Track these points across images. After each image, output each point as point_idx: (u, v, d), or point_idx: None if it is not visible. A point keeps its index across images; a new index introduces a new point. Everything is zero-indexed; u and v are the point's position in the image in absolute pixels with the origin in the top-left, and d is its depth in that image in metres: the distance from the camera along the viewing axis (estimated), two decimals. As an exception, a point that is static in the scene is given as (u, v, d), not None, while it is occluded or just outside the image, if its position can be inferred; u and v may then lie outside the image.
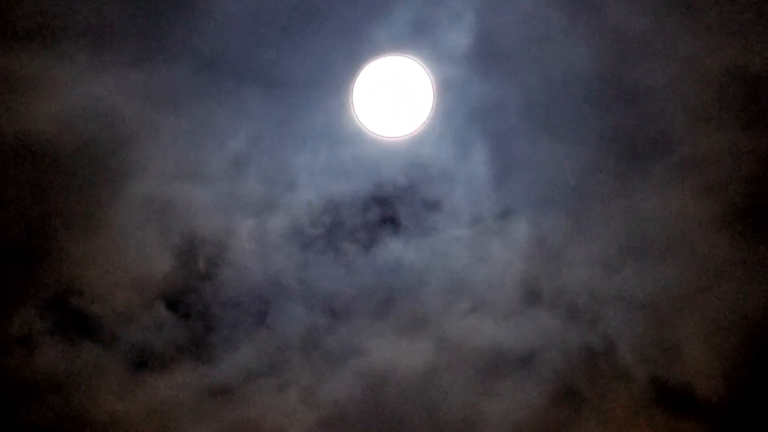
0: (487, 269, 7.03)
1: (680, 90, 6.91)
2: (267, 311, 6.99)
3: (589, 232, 6.99)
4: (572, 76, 6.96)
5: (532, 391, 6.87)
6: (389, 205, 7.08)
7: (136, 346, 6.91)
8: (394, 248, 7.05)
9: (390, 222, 7.08)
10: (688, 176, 6.95)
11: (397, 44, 7.08)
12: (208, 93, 6.92)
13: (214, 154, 6.96)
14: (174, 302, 6.94)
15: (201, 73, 6.90)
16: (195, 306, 6.96)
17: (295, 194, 7.03)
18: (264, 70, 6.97)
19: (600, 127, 6.98)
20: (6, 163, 6.75)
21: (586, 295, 6.98)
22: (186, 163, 6.94)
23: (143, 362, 6.90)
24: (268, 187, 7.01)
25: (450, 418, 6.81)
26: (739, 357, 6.81)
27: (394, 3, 7.05)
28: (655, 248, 6.93)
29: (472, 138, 7.04)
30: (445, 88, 7.10)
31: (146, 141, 6.89)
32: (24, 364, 6.70)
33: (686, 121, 6.93)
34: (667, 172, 6.94)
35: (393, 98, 7.16)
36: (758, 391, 6.70)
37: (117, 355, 6.88)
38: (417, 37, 7.05)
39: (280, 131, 7.01)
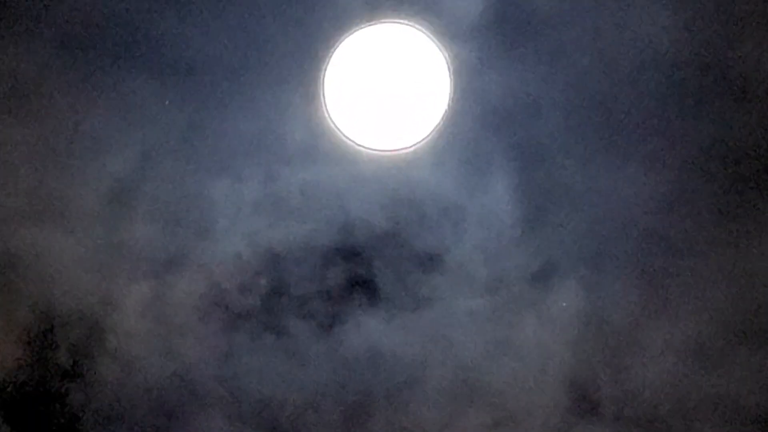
0: (515, 361, 4.50)
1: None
2: (168, 429, 4.46)
3: (675, 305, 4.45)
4: (648, 60, 4.43)
5: None
6: (362, 259, 4.55)
7: (-36, 482, 4.38)
8: (369, 328, 4.52)
9: (363, 286, 4.54)
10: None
11: (382, 10, 4.55)
12: (74, 86, 4.40)
13: (85, 182, 4.43)
14: (19, 414, 4.40)
15: (63, 57, 4.38)
16: (54, 420, 4.42)
17: (214, 243, 4.50)
18: (165, 50, 4.44)
19: (692, 136, 4.45)
20: None
21: (669, 403, 4.44)
22: (40, 196, 4.41)
23: (-24, 506, 4.37)
24: (169, 232, 4.48)
25: None
26: None
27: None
28: (779, 330, 4.39)
29: (490, 155, 4.50)
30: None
31: (-24, 161, 4.38)
32: None
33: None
34: (799, 210, 4.41)
35: (375, 93, 4.66)
36: None
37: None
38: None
39: (191, 144, 4.48)
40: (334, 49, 4.55)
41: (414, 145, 4.57)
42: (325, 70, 4.55)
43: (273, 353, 4.50)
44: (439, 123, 4.55)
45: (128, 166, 4.42)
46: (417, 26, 4.51)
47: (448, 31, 4.45)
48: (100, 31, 4.40)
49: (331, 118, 4.57)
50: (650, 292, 4.45)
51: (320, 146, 4.57)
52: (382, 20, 4.54)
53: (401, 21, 4.48)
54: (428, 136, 4.56)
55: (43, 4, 4.39)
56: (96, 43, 4.40)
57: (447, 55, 4.49)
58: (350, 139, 4.59)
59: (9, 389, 4.36)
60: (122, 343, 4.44)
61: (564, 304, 4.48)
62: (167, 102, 4.44)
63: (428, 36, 4.51)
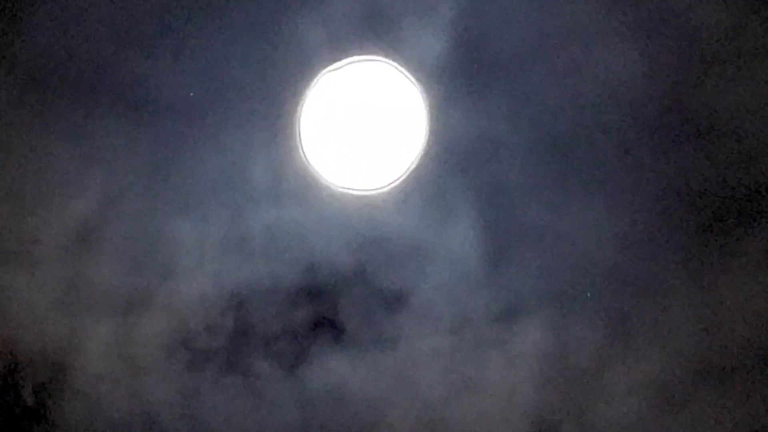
0: (479, 400, 4.50)
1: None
2: (133, 468, 4.47)
3: (640, 345, 4.45)
4: (613, 99, 4.43)
5: None
6: (328, 299, 4.55)
7: None
8: (334, 368, 4.52)
9: (329, 326, 4.55)
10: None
11: (349, 49, 4.55)
12: (37, 126, 4.40)
13: (49, 223, 4.43)
14: (-15, 456, 4.41)
15: (26, 97, 4.38)
16: (19, 461, 4.43)
17: (179, 282, 4.50)
18: (130, 90, 4.44)
19: (658, 176, 4.45)
20: None
21: (634, 442, 4.44)
22: (3, 237, 4.42)
23: None
24: (134, 272, 4.48)
25: None
26: None
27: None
28: (744, 370, 4.39)
29: (457, 196, 4.50)
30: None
31: (-60, 201, 4.38)
32: None
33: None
34: None
35: (350, 133, 4.69)
36: None
37: None
38: (373, 36, 4.52)
39: (156, 184, 4.48)
40: (304, 88, 4.56)
41: (388, 185, 4.58)
42: (299, 108, 4.56)
43: (238, 393, 4.50)
44: (409, 164, 4.56)
45: (92, 206, 4.42)
46: (397, 65, 4.52)
47: (413, 71, 4.45)
48: (64, 70, 4.40)
49: (305, 158, 4.57)
50: (615, 333, 4.45)
51: (294, 187, 4.56)
52: (355, 58, 4.54)
53: (379, 59, 4.47)
54: (400, 177, 4.57)
55: (4, 42, 4.39)
56: (59, 82, 4.40)
57: (423, 96, 4.50)
58: (325, 179, 4.60)
59: (-27, 430, 4.36)
60: (87, 383, 4.44)
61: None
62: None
63: (406, 76, 4.52)
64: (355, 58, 4.56)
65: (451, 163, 4.49)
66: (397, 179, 4.57)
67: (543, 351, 4.45)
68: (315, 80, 4.57)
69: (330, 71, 4.59)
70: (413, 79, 4.53)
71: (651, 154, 4.43)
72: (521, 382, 4.46)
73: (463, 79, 4.43)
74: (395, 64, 4.52)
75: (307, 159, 4.58)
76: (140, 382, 4.47)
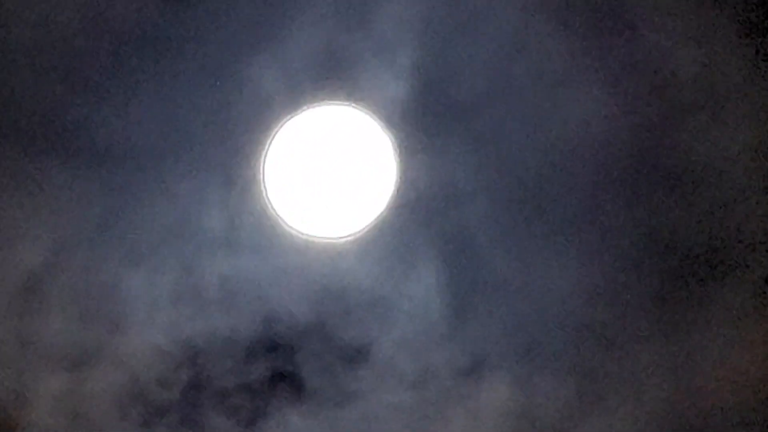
0: (444, 458, 4.34)
1: None
2: None
3: (611, 402, 4.29)
4: (585, 144, 4.27)
5: None
6: (286, 353, 4.38)
7: None
8: (292, 424, 4.35)
9: (287, 381, 4.38)
10: (772, 308, 4.26)
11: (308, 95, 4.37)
12: (-17, 172, 4.22)
13: (-6, 273, 4.26)
14: None
15: (-30, 141, 4.20)
16: None
17: (130, 335, 4.32)
18: (80, 135, 4.25)
19: (626, 226, 4.29)
20: None
21: (603, 502, 4.28)
22: (-54, 289, 4.24)
23: None
24: (83, 324, 4.29)
25: None
26: None
27: (299, 23, 4.33)
28: (720, 429, 4.24)
29: (420, 246, 4.33)
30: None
31: None
32: None
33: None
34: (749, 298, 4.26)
35: (314, 181, 4.51)
36: None
37: None
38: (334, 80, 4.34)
39: (105, 233, 4.30)
40: (265, 134, 4.39)
41: (352, 234, 4.40)
42: (261, 155, 4.38)
43: (193, 449, 4.33)
44: (374, 212, 4.39)
45: (40, 256, 4.24)
46: (362, 110, 4.34)
47: (375, 116, 4.28)
48: (10, 114, 4.21)
49: (266, 204, 4.40)
50: (584, 388, 4.29)
51: (251, 234, 4.38)
52: (318, 103, 4.37)
53: (343, 103, 4.30)
54: (365, 225, 4.40)
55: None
56: (6, 127, 4.21)
57: (390, 142, 4.33)
58: (283, 225, 4.43)
59: None
60: (35, 440, 4.26)
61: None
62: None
63: (376, 121, 4.34)
64: (319, 103, 4.38)
65: (415, 211, 4.32)
66: (362, 228, 4.40)
67: (509, 407, 4.28)
68: (277, 126, 4.39)
69: (292, 116, 4.41)
70: (381, 125, 4.35)
71: (621, 202, 4.27)
72: (486, 439, 4.29)
73: (426, 125, 4.26)
74: (361, 108, 4.35)
75: (266, 205, 4.41)
76: (90, 439, 4.29)
